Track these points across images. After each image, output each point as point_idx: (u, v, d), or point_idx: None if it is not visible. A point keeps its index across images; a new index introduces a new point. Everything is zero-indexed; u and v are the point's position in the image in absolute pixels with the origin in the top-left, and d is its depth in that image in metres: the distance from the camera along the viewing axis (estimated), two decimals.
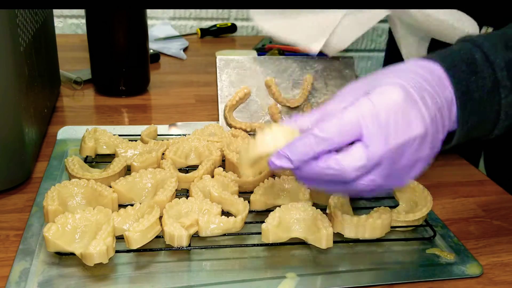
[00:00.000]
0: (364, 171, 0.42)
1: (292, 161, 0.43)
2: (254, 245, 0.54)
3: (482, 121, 0.48)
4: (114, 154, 0.69)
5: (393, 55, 0.55)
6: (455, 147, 0.80)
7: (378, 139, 0.42)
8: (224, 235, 0.55)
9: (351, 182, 0.43)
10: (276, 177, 0.62)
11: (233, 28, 1.51)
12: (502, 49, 0.47)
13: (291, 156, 0.43)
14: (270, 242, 0.53)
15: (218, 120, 0.80)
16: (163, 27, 1.45)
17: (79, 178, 0.59)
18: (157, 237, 0.53)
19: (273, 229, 0.53)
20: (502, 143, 0.93)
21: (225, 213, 0.57)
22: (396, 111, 0.42)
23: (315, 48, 0.50)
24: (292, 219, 0.55)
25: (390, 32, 1.18)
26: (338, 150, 0.43)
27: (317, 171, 0.43)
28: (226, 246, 0.54)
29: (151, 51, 1.16)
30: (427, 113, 0.43)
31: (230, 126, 0.78)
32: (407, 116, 0.42)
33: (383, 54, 1.46)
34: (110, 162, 0.64)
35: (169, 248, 0.52)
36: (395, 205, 0.61)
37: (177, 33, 1.43)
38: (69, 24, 1.49)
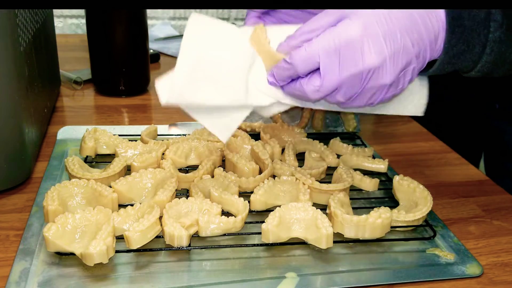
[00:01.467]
0: (323, 95, 0.50)
1: (276, 81, 0.53)
2: (254, 245, 0.54)
3: (467, 50, 0.49)
4: (114, 154, 0.69)
5: None
6: (454, 144, 0.80)
7: (331, 70, 0.48)
8: (224, 235, 0.55)
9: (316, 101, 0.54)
10: (276, 177, 0.62)
11: None
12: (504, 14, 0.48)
13: (276, 77, 0.53)
14: (270, 242, 0.53)
15: None
16: (163, 27, 1.45)
17: (79, 178, 0.59)
18: (157, 237, 0.53)
19: (273, 229, 0.53)
20: (502, 144, 0.93)
21: (225, 213, 0.57)
22: (350, 44, 0.47)
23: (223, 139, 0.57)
24: (292, 219, 0.55)
25: None
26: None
27: (290, 91, 0.53)
28: (226, 246, 0.54)
29: (151, 51, 1.16)
30: (389, 45, 0.47)
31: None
32: (360, 49, 0.47)
33: None
34: (110, 162, 0.64)
35: (169, 248, 0.52)
36: (395, 205, 0.61)
37: (177, 33, 1.43)
38: (69, 24, 1.49)
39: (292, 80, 0.52)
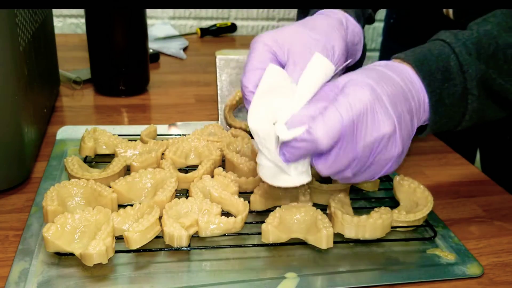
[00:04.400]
0: (334, 172, 0.48)
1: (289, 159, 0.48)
2: (254, 245, 0.54)
3: (449, 121, 0.54)
4: (113, 154, 0.69)
5: (386, 57, 0.57)
6: (449, 141, 0.81)
7: (349, 142, 0.46)
8: (224, 235, 0.54)
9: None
10: None
11: (233, 27, 1.51)
12: (475, 59, 0.51)
13: (288, 157, 0.48)
14: (270, 242, 0.53)
15: (218, 120, 0.79)
16: (162, 27, 1.45)
17: (79, 178, 0.59)
18: (157, 237, 0.52)
19: (273, 229, 0.52)
20: (497, 141, 0.93)
21: (225, 213, 0.57)
22: (365, 111, 0.46)
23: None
24: (292, 219, 0.55)
25: (384, 33, 1.18)
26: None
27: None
28: (226, 247, 0.54)
29: (151, 50, 1.16)
30: (394, 112, 0.47)
31: (230, 126, 0.78)
32: (374, 116, 0.46)
33: None
34: (110, 162, 0.64)
35: (169, 249, 0.52)
36: (396, 205, 0.61)
37: (176, 33, 1.43)
38: (69, 23, 1.49)
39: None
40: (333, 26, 0.55)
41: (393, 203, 0.62)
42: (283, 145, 0.47)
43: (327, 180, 0.65)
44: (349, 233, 0.54)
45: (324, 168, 0.48)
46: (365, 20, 0.69)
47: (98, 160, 0.69)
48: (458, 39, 0.52)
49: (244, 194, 0.62)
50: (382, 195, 0.65)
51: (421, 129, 0.54)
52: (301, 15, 0.64)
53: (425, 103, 0.51)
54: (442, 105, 0.52)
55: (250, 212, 0.58)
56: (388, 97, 0.47)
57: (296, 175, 0.49)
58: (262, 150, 0.49)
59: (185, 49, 1.32)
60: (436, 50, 0.52)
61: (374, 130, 0.46)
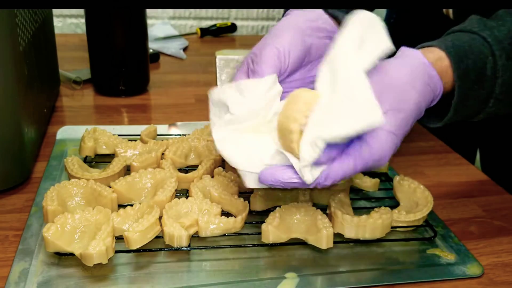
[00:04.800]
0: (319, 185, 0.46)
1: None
2: (254, 245, 0.54)
3: (464, 119, 0.54)
4: (113, 154, 0.69)
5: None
6: (449, 141, 0.80)
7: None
8: (224, 235, 0.54)
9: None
10: None
11: (233, 27, 1.51)
12: (510, 65, 0.50)
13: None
14: (270, 242, 0.53)
15: None
16: (162, 27, 1.45)
17: (79, 178, 0.59)
18: (157, 237, 0.52)
19: (273, 229, 0.52)
20: (497, 140, 0.93)
21: (225, 213, 0.57)
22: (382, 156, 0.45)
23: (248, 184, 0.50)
24: (292, 219, 0.55)
25: None
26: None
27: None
28: (226, 247, 0.54)
29: (151, 50, 1.16)
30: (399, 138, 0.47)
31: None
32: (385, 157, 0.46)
33: None
34: (110, 162, 0.64)
35: (169, 249, 0.52)
36: (396, 205, 0.61)
37: (176, 33, 1.43)
38: (69, 23, 1.49)
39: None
40: (293, 26, 0.54)
41: (393, 203, 0.62)
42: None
43: None
44: (349, 233, 0.54)
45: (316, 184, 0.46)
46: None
47: (98, 160, 0.69)
48: (497, 39, 0.51)
49: (244, 194, 0.62)
50: (382, 195, 0.65)
51: (428, 115, 0.54)
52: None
53: (437, 97, 0.50)
54: (463, 106, 0.51)
55: (250, 212, 0.58)
56: (400, 128, 0.46)
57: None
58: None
59: (185, 49, 1.32)
60: (476, 48, 0.51)
61: (376, 164, 0.46)
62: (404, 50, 0.51)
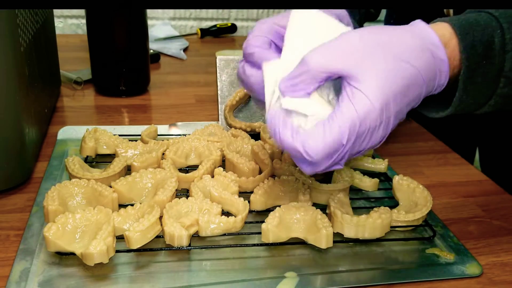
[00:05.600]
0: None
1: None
2: (254, 245, 0.54)
3: (474, 103, 0.49)
4: (114, 154, 0.69)
5: None
6: (448, 140, 0.80)
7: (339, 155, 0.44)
8: (224, 235, 0.55)
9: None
10: (276, 177, 0.62)
11: (233, 28, 1.51)
12: None
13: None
14: (270, 242, 0.53)
15: (218, 120, 0.80)
16: (163, 27, 1.46)
17: (80, 178, 0.59)
18: (157, 237, 0.53)
19: (273, 229, 0.53)
20: (496, 140, 0.93)
21: (225, 213, 0.57)
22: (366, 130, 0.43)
23: None
24: (292, 219, 0.55)
25: None
26: None
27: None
28: (226, 246, 0.54)
29: (151, 51, 1.16)
30: (395, 120, 0.45)
31: (230, 126, 0.78)
32: (373, 133, 0.44)
33: None
34: (110, 162, 0.64)
35: (169, 248, 0.52)
36: (395, 205, 0.61)
37: (177, 33, 1.43)
38: (69, 24, 1.49)
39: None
40: None
41: (393, 203, 0.63)
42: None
43: (327, 180, 0.65)
44: (349, 233, 0.54)
45: (308, 171, 0.46)
46: (362, 15, 0.68)
47: (99, 160, 0.69)
48: (505, 14, 0.48)
49: (244, 194, 0.62)
50: (382, 195, 0.66)
51: (438, 105, 0.51)
52: None
53: (443, 74, 0.47)
54: (472, 82, 0.48)
55: (250, 212, 0.58)
56: (395, 100, 0.44)
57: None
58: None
59: (185, 50, 1.32)
60: (482, 21, 0.48)
61: (369, 142, 0.44)
62: (417, 23, 0.47)
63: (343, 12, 0.56)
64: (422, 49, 0.45)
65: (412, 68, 0.44)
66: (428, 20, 0.53)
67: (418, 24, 0.47)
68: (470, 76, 0.47)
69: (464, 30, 0.47)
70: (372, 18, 0.71)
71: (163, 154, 0.67)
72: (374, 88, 0.43)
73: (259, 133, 0.75)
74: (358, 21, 0.65)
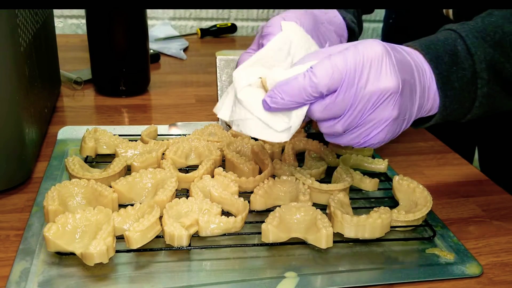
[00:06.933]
0: (328, 116, 0.47)
1: (284, 101, 0.46)
2: (254, 245, 0.54)
3: (459, 107, 0.53)
4: (114, 154, 0.69)
5: None
6: (448, 140, 0.81)
7: (350, 87, 0.46)
8: (224, 235, 0.55)
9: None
10: (276, 177, 0.62)
11: (233, 28, 1.51)
12: (482, 43, 0.51)
13: (284, 97, 0.46)
14: (270, 242, 0.53)
15: (218, 120, 0.80)
16: (163, 27, 1.46)
17: (79, 178, 0.59)
18: (157, 237, 0.53)
19: (273, 229, 0.53)
20: (496, 139, 0.93)
21: (225, 213, 0.57)
22: (373, 62, 0.46)
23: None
24: (292, 219, 0.55)
25: (383, 34, 1.19)
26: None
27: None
28: (226, 246, 0.54)
29: (151, 51, 1.16)
30: (400, 75, 0.47)
31: (230, 126, 0.78)
32: (380, 69, 0.46)
33: None
34: (110, 162, 0.64)
35: (169, 248, 0.52)
36: (395, 205, 0.61)
37: (177, 33, 1.43)
38: (69, 24, 1.49)
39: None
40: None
41: (393, 203, 0.63)
42: (278, 86, 0.47)
43: (327, 180, 0.65)
44: (349, 233, 0.54)
45: (318, 111, 0.47)
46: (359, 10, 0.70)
47: (99, 160, 0.69)
48: (463, 26, 0.52)
49: (244, 194, 0.62)
50: (382, 195, 0.66)
51: (429, 120, 0.55)
52: None
53: (431, 89, 0.51)
54: (451, 88, 0.51)
55: (250, 212, 0.58)
56: (397, 61, 0.47)
57: (275, 131, 0.49)
58: (242, 101, 0.50)
59: (185, 50, 1.32)
60: (442, 36, 0.52)
61: (378, 82, 0.45)
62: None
63: (341, 24, 0.59)
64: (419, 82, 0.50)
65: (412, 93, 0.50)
66: (428, 20, 0.53)
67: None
68: (445, 82, 0.51)
69: (425, 46, 0.52)
70: (368, 11, 0.72)
71: (163, 154, 0.67)
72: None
73: None
74: (354, 14, 0.67)
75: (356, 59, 0.45)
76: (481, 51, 0.51)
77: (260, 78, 0.50)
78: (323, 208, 0.57)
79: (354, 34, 0.68)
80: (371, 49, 0.46)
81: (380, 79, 0.46)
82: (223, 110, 0.53)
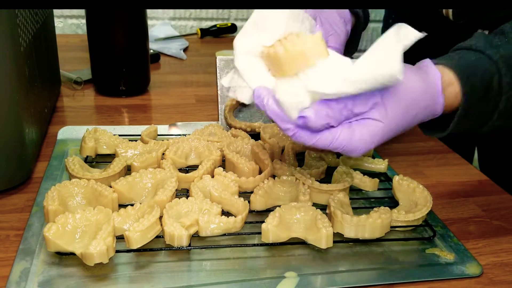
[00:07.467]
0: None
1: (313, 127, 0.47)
2: (254, 245, 0.54)
3: (468, 131, 0.55)
4: (114, 154, 0.69)
5: None
6: (449, 143, 0.81)
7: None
8: (224, 235, 0.55)
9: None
10: (276, 177, 0.62)
11: (233, 28, 1.51)
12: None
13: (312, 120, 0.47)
14: (270, 242, 0.53)
15: (218, 120, 0.80)
16: (163, 27, 1.46)
17: (79, 178, 0.59)
18: (157, 237, 0.53)
19: (273, 229, 0.53)
20: (495, 139, 0.93)
21: (225, 213, 0.57)
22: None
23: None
24: (292, 219, 0.55)
25: (382, 33, 1.19)
26: None
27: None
28: (226, 246, 0.54)
29: (151, 51, 1.16)
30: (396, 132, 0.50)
31: (230, 126, 0.78)
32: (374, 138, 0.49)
33: None
34: (110, 162, 0.64)
35: (169, 248, 0.52)
36: (395, 205, 0.61)
37: (177, 33, 1.43)
38: (69, 24, 1.49)
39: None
40: None
41: (393, 203, 0.63)
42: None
43: (327, 180, 0.65)
44: (349, 233, 0.54)
45: (307, 142, 0.49)
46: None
47: (99, 160, 0.69)
48: (503, 58, 0.52)
49: (244, 194, 0.62)
50: (382, 195, 0.66)
51: (434, 125, 0.56)
52: None
53: (436, 114, 0.52)
54: (467, 121, 0.53)
55: (250, 212, 0.58)
56: (397, 126, 0.49)
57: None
58: (239, 69, 0.51)
59: (185, 50, 1.32)
60: (482, 66, 0.52)
61: (367, 144, 0.49)
62: (427, 65, 0.52)
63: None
64: (425, 92, 0.50)
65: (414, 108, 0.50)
66: (428, 20, 0.53)
67: (427, 68, 0.52)
68: (465, 115, 0.52)
69: (465, 76, 0.52)
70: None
71: (163, 154, 0.67)
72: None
73: (259, 133, 0.75)
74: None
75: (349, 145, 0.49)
76: (510, 93, 0.52)
77: (264, 47, 0.50)
78: (323, 208, 0.57)
79: (358, 17, 0.68)
80: (367, 140, 0.49)
81: (368, 142, 0.49)
82: (226, 77, 0.54)
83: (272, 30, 0.49)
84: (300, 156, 0.71)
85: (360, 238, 0.54)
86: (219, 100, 0.79)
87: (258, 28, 0.50)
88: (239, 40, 0.51)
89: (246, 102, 0.52)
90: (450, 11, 0.84)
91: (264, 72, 0.50)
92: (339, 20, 0.65)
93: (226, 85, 0.54)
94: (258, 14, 0.50)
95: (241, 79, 0.51)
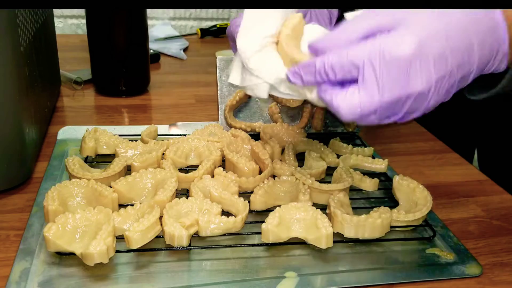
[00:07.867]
0: (359, 117, 0.44)
1: (303, 81, 0.46)
2: (254, 245, 0.54)
3: None
4: (114, 154, 0.69)
5: None
6: (449, 143, 0.80)
7: (373, 88, 0.42)
8: (224, 235, 0.55)
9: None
10: (276, 177, 0.62)
11: None
12: None
13: (304, 77, 0.46)
14: (270, 242, 0.53)
15: (218, 120, 0.80)
16: (163, 27, 1.46)
17: (80, 178, 0.59)
18: (157, 237, 0.53)
19: (273, 229, 0.53)
20: (495, 139, 0.93)
21: (225, 213, 0.57)
22: (399, 62, 0.41)
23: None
24: (292, 219, 0.55)
25: None
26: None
27: (320, 95, 0.46)
28: (226, 246, 0.54)
29: (151, 51, 1.16)
30: (437, 70, 0.42)
31: (230, 126, 0.78)
32: (407, 71, 0.41)
33: None
34: (110, 162, 0.64)
35: (169, 248, 0.52)
36: (395, 205, 0.61)
37: (177, 33, 1.43)
38: (69, 24, 1.49)
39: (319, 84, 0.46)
40: None
41: (393, 203, 0.63)
42: (300, 65, 0.46)
43: (327, 180, 0.65)
44: (349, 233, 0.54)
45: (347, 111, 0.44)
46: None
47: (99, 160, 0.69)
48: None
49: (244, 194, 0.62)
50: (382, 195, 0.66)
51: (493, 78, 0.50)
52: None
53: (499, 55, 0.44)
54: None
55: (250, 212, 0.58)
56: (438, 54, 0.41)
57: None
58: (254, 69, 0.52)
59: (185, 50, 1.32)
60: None
61: (405, 85, 0.42)
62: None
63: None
64: (480, 22, 0.42)
65: (466, 36, 0.42)
66: None
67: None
68: None
69: None
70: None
71: (163, 154, 0.67)
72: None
73: (259, 133, 0.75)
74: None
75: (381, 55, 0.41)
76: None
77: (271, 35, 0.50)
78: (323, 208, 0.57)
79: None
80: (403, 48, 0.41)
81: (408, 82, 0.42)
82: (232, 74, 0.55)
83: (271, 18, 0.50)
84: (300, 156, 0.71)
85: (360, 238, 0.54)
86: (219, 100, 0.79)
87: (257, 22, 0.50)
88: (242, 41, 0.51)
89: (265, 97, 0.53)
90: None
91: (276, 63, 0.51)
92: (326, 13, 0.65)
93: (237, 84, 0.55)
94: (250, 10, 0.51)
95: (254, 77, 0.52)
